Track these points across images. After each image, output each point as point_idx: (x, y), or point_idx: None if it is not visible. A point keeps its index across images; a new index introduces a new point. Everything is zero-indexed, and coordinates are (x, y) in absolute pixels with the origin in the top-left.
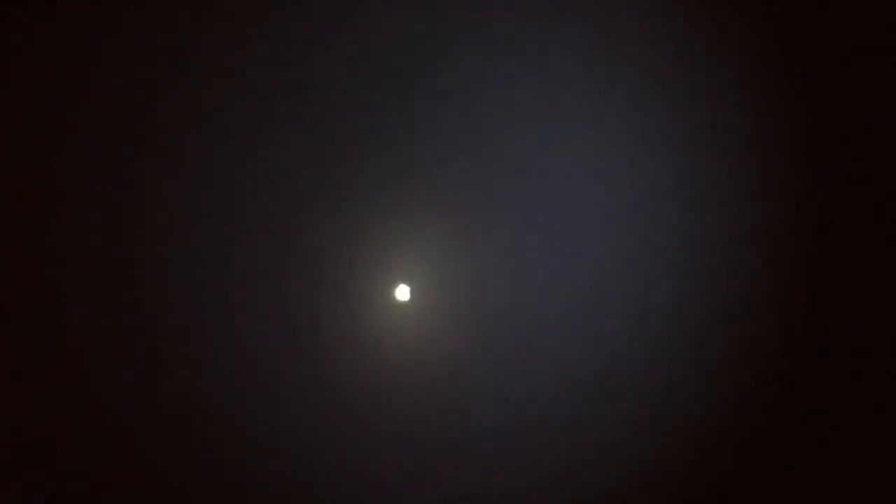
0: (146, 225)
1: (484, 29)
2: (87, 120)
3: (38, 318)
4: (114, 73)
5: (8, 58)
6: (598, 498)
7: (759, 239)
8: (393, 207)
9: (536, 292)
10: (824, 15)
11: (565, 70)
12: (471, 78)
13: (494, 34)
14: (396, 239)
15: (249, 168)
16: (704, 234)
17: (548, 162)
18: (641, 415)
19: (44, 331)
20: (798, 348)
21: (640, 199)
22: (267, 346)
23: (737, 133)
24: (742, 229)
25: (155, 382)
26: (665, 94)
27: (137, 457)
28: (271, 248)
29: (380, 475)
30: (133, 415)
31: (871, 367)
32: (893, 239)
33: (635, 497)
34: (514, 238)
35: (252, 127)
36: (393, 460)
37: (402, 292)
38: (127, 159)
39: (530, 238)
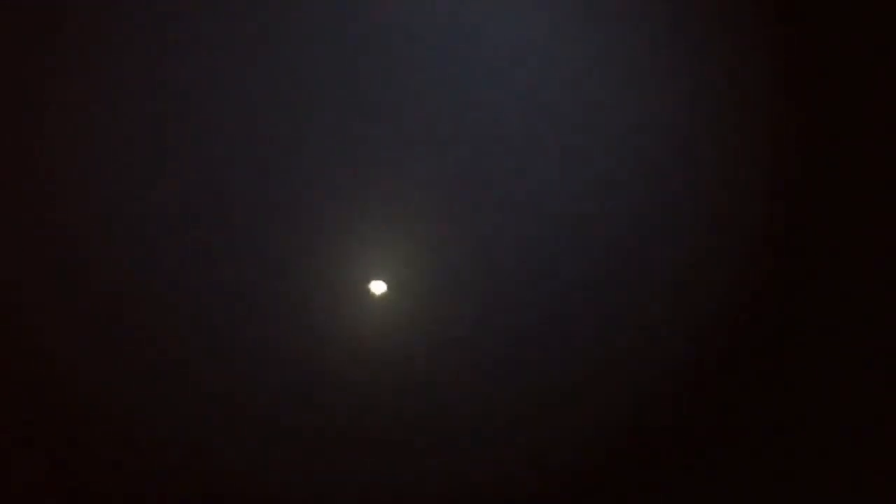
0: (124, 219)
1: (470, 22)
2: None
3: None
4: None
5: None
6: (591, 496)
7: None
8: (368, 201)
9: (515, 287)
10: None
11: (549, 63)
12: (448, 73)
13: (483, 29)
14: (371, 233)
15: (225, 164)
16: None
17: (529, 156)
18: (635, 406)
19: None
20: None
21: (635, 190)
22: (239, 343)
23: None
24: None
25: (131, 376)
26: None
27: (107, 442)
28: (244, 244)
29: (356, 471)
30: (106, 402)
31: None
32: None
33: (632, 497)
34: (493, 231)
35: (232, 124)
36: (368, 456)
37: (378, 287)
38: (111, 164)
39: (509, 231)
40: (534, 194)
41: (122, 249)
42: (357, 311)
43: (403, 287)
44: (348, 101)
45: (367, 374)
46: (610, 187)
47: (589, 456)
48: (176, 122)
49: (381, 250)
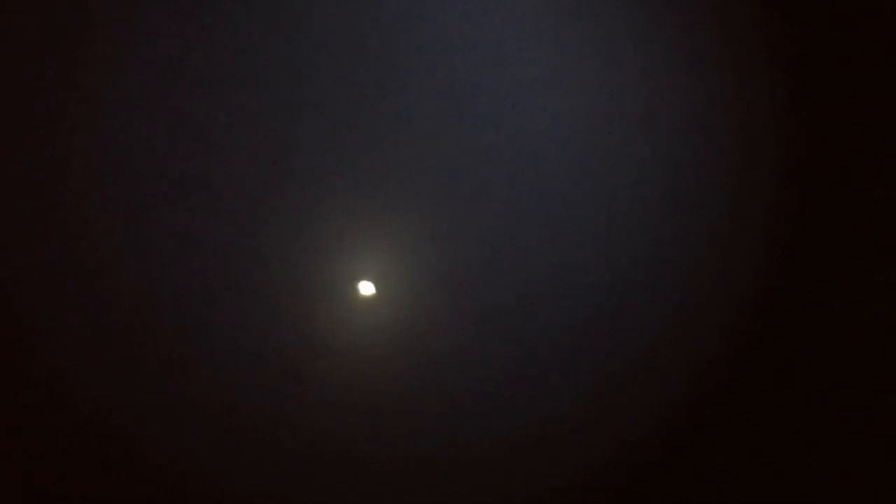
0: (106, 217)
1: (463, 27)
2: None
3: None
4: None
5: None
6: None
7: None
8: (356, 202)
9: (506, 288)
10: None
11: (546, 68)
12: (440, 75)
13: (475, 34)
14: (360, 234)
15: (213, 163)
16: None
17: (521, 158)
18: (630, 409)
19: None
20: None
21: (630, 183)
22: (226, 345)
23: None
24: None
25: (114, 376)
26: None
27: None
28: (232, 244)
29: (345, 473)
30: (95, 401)
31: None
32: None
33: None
34: (482, 233)
35: (222, 124)
36: (355, 457)
37: (367, 288)
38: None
39: (500, 232)
40: (526, 196)
41: (107, 250)
42: (345, 313)
43: (392, 288)
44: (338, 102)
45: (354, 375)
46: (608, 191)
47: (586, 457)
48: (163, 123)
49: (369, 251)
